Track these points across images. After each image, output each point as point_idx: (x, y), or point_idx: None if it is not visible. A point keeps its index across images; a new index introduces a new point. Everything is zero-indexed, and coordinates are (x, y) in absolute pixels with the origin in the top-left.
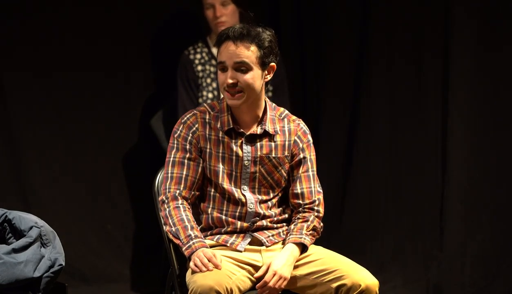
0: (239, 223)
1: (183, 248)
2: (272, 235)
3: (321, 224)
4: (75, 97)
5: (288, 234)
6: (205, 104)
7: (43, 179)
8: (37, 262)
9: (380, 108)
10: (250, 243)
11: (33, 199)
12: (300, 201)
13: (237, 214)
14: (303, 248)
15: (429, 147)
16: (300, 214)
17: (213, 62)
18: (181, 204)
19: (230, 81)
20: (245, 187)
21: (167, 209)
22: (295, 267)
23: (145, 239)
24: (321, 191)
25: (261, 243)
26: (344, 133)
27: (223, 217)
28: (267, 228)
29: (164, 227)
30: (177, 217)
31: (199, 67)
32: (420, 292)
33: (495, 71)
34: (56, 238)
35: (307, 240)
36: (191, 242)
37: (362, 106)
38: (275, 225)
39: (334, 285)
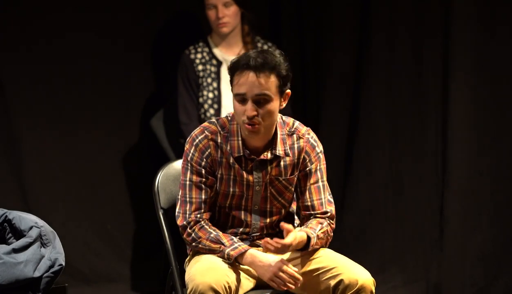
0: (238, 237)
1: (227, 249)
2: (271, 238)
3: (331, 234)
4: (75, 97)
5: (303, 226)
6: (214, 121)
7: (43, 179)
8: (37, 262)
9: (380, 108)
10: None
11: (33, 199)
12: (311, 212)
13: (239, 231)
14: (307, 243)
15: (429, 147)
16: (313, 219)
17: (214, 61)
18: (204, 223)
19: (251, 113)
20: (256, 206)
21: (193, 234)
22: (295, 265)
23: (145, 239)
24: (332, 201)
25: (259, 245)
26: (344, 133)
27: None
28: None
29: (196, 246)
30: (207, 233)
31: (200, 67)
32: (420, 292)
33: (495, 72)
34: (56, 238)
35: (314, 240)
36: (236, 244)
37: (362, 106)
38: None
39: (332, 282)
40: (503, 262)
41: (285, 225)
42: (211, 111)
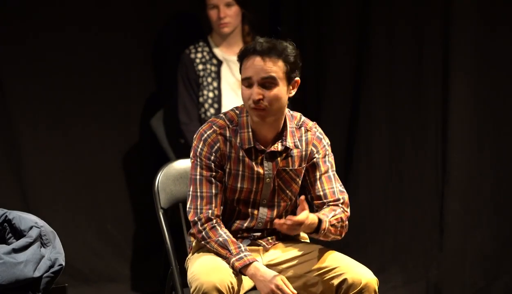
0: (239, 236)
1: (233, 259)
2: (272, 238)
3: (347, 223)
4: (75, 97)
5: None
6: (222, 116)
7: (43, 179)
8: (37, 262)
9: (380, 108)
10: (249, 245)
11: (33, 199)
12: (324, 200)
13: (244, 226)
14: (318, 226)
15: (429, 147)
16: (326, 207)
17: (214, 61)
18: (216, 223)
19: (257, 97)
20: (265, 200)
21: (203, 232)
22: (298, 264)
23: (145, 239)
24: (344, 190)
25: (259, 245)
26: (344, 133)
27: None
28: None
29: (204, 244)
30: (217, 236)
31: (200, 66)
32: (420, 292)
33: (495, 72)
34: (56, 238)
35: (326, 224)
36: (242, 254)
37: (362, 106)
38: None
39: (335, 282)
40: (503, 262)
41: (303, 203)
42: (211, 110)
